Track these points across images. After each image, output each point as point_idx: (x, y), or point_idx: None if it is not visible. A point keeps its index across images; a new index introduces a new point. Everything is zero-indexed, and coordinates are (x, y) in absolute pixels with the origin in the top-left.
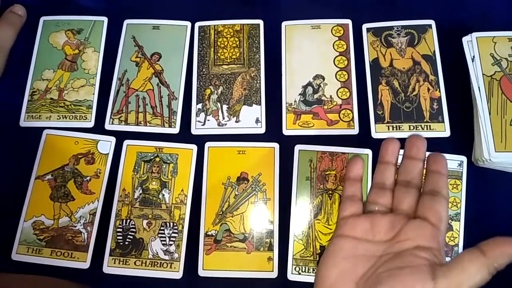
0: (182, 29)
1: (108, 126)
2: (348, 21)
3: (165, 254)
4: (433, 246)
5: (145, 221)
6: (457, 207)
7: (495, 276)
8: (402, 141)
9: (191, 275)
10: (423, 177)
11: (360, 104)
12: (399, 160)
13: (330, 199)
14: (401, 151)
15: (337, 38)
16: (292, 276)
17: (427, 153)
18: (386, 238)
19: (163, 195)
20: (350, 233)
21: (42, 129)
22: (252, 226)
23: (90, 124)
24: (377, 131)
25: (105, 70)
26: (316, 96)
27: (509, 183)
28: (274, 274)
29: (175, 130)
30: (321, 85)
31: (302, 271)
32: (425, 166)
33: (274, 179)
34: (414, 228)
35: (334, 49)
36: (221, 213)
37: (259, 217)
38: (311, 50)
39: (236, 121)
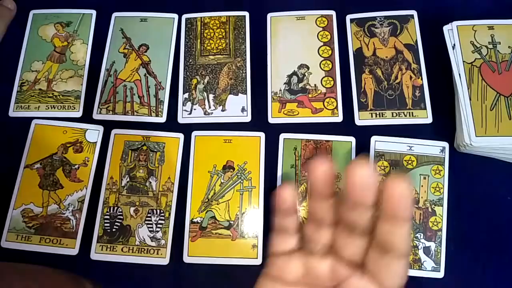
0: (169, 21)
1: (96, 116)
2: (332, 12)
3: (152, 241)
4: None
5: (132, 208)
6: (440, 192)
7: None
8: (385, 129)
9: (177, 261)
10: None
11: (344, 93)
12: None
13: None
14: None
15: (321, 29)
16: None
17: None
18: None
19: (150, 182)
20: (280, 275)
21: (31, 119)
22: (237, 213)
23: (78, 114)
24: (361, 119)
25: (93, 61)
26: (301, 85)
27: (490, 168)
28: (258, 261)
29: (162, 119)
30: (306, 74)
31: None
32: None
33: (259, 167)
34: (359, 286)
35: (319, 39)
36: (206, 200)
37: (244, 204)
38: (296, 40)
39: (222, 110)
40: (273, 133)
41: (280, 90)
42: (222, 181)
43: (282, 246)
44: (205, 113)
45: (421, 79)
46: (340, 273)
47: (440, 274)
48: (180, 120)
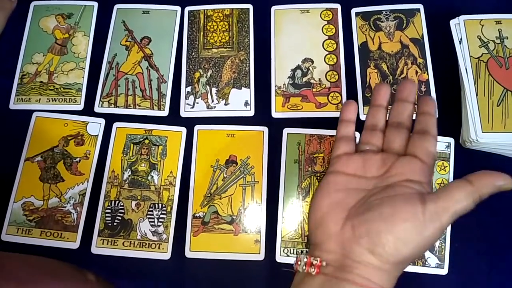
0: (172, 14)
1: (97, 109)
2: (337, 6)
3: (153, 235)
4: (422, 180)
5: (133, 202)
6: None
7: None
8: None
9: (179, 256)
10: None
11: (349, 87)
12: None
13: (318, 182)
14: None
15: (326, 22)
16: (280, 258)
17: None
18: (378, 174)
19: (152, 176)
20: (342, 169)
21: (31, 111)
22: (239, 208)
23: (80, 106)
24: (366, 114)
25: (95, 54)
26: (305, 79)
27: (496, 165)
28: (260, 257)
29: (164, 112)
30: (310, 68)
31: (290, 253)
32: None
33: (262, 162)
34: (404, 164)
35: (323, 33)
36: (209, 195)
37: (247, 199)
38: (300, 34)
39: (225, 104)
40: (276, 127)
41: (284, 84)
42: (225, 175)
43: (343, 149)
44: (208, 107)
45: (427, 74)
46: (388, 160)
47: (444, 271)
48: (183, 113)
